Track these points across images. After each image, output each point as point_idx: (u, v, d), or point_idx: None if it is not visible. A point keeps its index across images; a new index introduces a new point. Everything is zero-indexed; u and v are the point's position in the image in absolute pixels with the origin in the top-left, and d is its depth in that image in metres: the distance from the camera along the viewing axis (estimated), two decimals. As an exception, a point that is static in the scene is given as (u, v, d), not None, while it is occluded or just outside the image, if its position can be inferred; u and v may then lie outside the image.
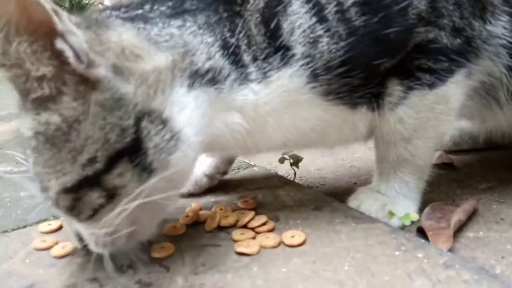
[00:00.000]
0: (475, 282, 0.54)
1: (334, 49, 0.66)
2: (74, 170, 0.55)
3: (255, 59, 0.66)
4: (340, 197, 0.81)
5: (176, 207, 0.82)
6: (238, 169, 1.00)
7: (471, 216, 0.78)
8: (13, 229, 0.79)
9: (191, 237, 0.71)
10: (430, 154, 0.80)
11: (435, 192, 0.88)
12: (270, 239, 0.66)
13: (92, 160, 0.55)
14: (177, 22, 0.64)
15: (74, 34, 0.53)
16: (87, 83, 0.55)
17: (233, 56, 0.65)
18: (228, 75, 0.65)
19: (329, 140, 0.77)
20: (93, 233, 0.60)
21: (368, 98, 0.71)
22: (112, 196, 0.57)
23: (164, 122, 0.58)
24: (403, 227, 0.74)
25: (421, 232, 0.72)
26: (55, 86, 0.54)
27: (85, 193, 0.56)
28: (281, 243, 0.66)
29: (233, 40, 0.66)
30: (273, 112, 0.68)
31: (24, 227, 0.80)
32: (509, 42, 0.74)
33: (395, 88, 0.71)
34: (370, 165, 0.99)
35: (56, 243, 0.70)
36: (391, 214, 0.74)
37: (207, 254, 0.65)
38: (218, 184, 0.91)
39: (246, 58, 0.66)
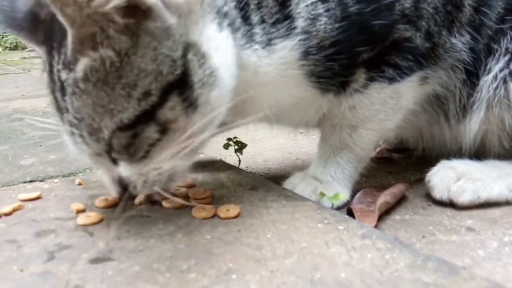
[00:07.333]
0: (387, 250, 0.56)
1: (328, 29, 0.69)
2: (131, 106, 0.56)
3: (262, 21, 0.68)
4: (281, 184, 0.82)
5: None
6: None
7: (401, 202, 0.81)
8: None
9: (122, 209, 0.70)
10: (371, 146, 0.84)
11: (371, 182, 0.91)
12: (205, 211, 0.66)
13: (147, 94, 0.56)
14: None
15: None
16: (137, 14, 0.54)
17: (243, 11, 0.67)
18: (238, 29, 0.66)
19: (295, 119, 0.81)
20: (141, 174, 0.62)
21: (338, 86, 0.74)
22: (164, 131, 0.59)
23: (204, 57, 0.60)
24: (333, 207, 0.76)
25: (351, 214, 0.74)
26: (108, 20, 0.54)
27: (142, 129, 0.58)
28: (215, 215, 0.66)
29: None
30: (268, 83, 0.70)
31: (-49, 197, 0.77)
32: (465, 58, 0.79)
33: (360, 76, 0.74)
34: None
35: (-19, 211, 0.68)
36: (322, 194, 0.76)
37: (134, 222, 0.65)
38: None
39: (254, 17, 0.67)
